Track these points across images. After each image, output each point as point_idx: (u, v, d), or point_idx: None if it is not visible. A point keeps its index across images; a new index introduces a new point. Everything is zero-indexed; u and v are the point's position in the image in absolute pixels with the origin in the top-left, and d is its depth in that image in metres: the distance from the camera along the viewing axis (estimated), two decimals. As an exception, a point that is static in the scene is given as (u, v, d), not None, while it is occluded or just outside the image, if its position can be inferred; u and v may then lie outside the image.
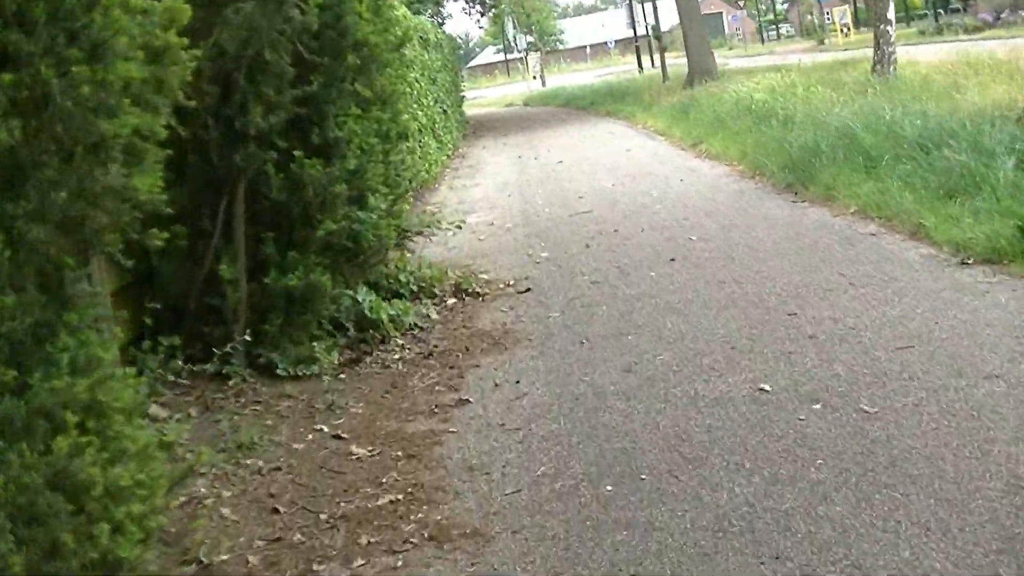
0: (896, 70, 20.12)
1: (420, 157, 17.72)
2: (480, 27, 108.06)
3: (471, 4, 47.26)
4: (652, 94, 32.06)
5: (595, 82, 47.66)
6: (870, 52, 30.16)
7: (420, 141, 18.10)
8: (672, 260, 9.92)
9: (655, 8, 40.39)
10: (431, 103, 21.62)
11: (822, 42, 62.33)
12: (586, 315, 8.45)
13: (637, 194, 14.41)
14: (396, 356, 7.84)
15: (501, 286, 9.95)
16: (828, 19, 73.49)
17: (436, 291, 9.74)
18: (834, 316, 7.34)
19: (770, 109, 18.52)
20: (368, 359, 7.78)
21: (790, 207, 11.73)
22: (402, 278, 9.71)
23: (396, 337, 8.19)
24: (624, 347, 7.39)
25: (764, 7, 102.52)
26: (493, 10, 51.38)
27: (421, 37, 21.44)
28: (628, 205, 13.56)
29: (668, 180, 15.30)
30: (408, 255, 10.24)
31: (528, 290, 9.63)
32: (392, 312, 8.42)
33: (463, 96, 36.18)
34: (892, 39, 20.14)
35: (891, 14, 20.14)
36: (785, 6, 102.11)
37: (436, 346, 8.08)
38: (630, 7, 48.14)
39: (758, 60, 46.38)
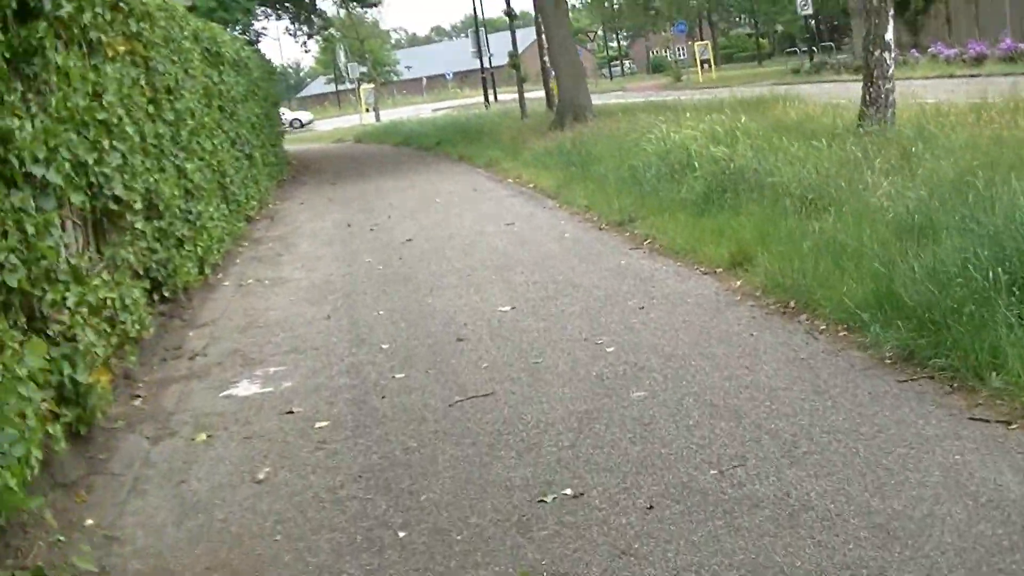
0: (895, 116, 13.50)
1: (186, 240, 10.39)
2: (306, 50, 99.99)
3: (296, 23, 39.51)
4: (513, 135, 25.29)
5: (437, 117, 40.64)
6: (745, 91, 23.51)
7: (190, 212, 10.77)
8: None
9: (513, 34, 33.45)
10: (223, 145, 14.26)
11: (679, 79, 56.68)
12: None
13: (571, 343, 7.32)
14: None
15: None
16: (682, 55, 68.15)
17: None
18: None
19: (738, 173, 11.68)
20: None
21: (1002, 450, 4.78)
22: None
23: None
24: None
25: (600, 43, 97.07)
26: (322, 33, 43.72)
27: (207, 49, 14.07)
28: (568, 380, 6.47)
29: (619, 307, 8.23)
30: None
31: None
32: None
33: (283, 131, 28.76)
34: (891, 72, 13.44)
35: (890, 35, 13.45)
36: (627, 42, 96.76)
37: None
38: (477, 34, 41.19)
39: (620, 97, 40.22)
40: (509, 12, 32.44)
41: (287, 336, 8.58)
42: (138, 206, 8.17)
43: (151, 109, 9.61)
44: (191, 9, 16.88)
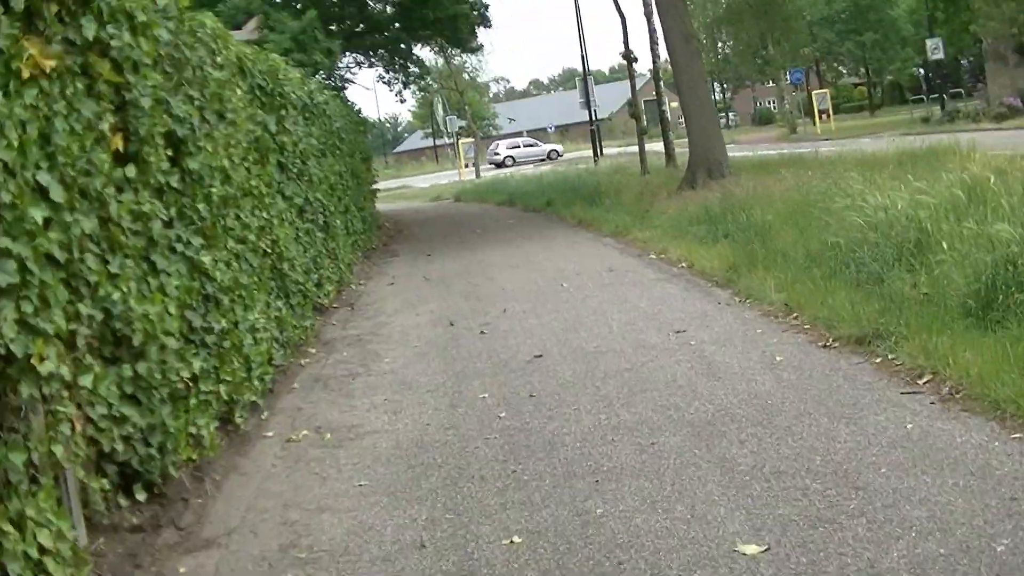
0: None
1: (200, 377, 6.39)
2: (401, 100, 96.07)
3: (390, 71, 35.39)
4: (635, 194, 21.26)
5: (543, 173, 36.50)
6: (884, 143, 18.99)
7: (210, 330, 6.75)
8: None
9: (632, 79, 29.35)
10: (284, 217, 10.31)
11: (795, 130, 52.29)
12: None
13: None
14: None
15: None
16: (787, 105, 63.36)
17: None
18: None
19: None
20: None
21: None
22: None
23: None
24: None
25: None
26: (418, 82, 39.63)
27: (260, 86, 10.08)
28: None
29: (988, 566, 4.01)
30: None
31: None
32: None
33: (375, 189, 24.84)
34: None
35: None
36: (728, 94, 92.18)
37: None
38: (585, 84, 37.04)
39: (738, 150, 35.95)
40: (627, 55, 28.23)
41: (343, 598, 4.46)
42: (50, 365, 4.11)
43: (129, 173, 5.62)
44: (257, 44, 13.02)
